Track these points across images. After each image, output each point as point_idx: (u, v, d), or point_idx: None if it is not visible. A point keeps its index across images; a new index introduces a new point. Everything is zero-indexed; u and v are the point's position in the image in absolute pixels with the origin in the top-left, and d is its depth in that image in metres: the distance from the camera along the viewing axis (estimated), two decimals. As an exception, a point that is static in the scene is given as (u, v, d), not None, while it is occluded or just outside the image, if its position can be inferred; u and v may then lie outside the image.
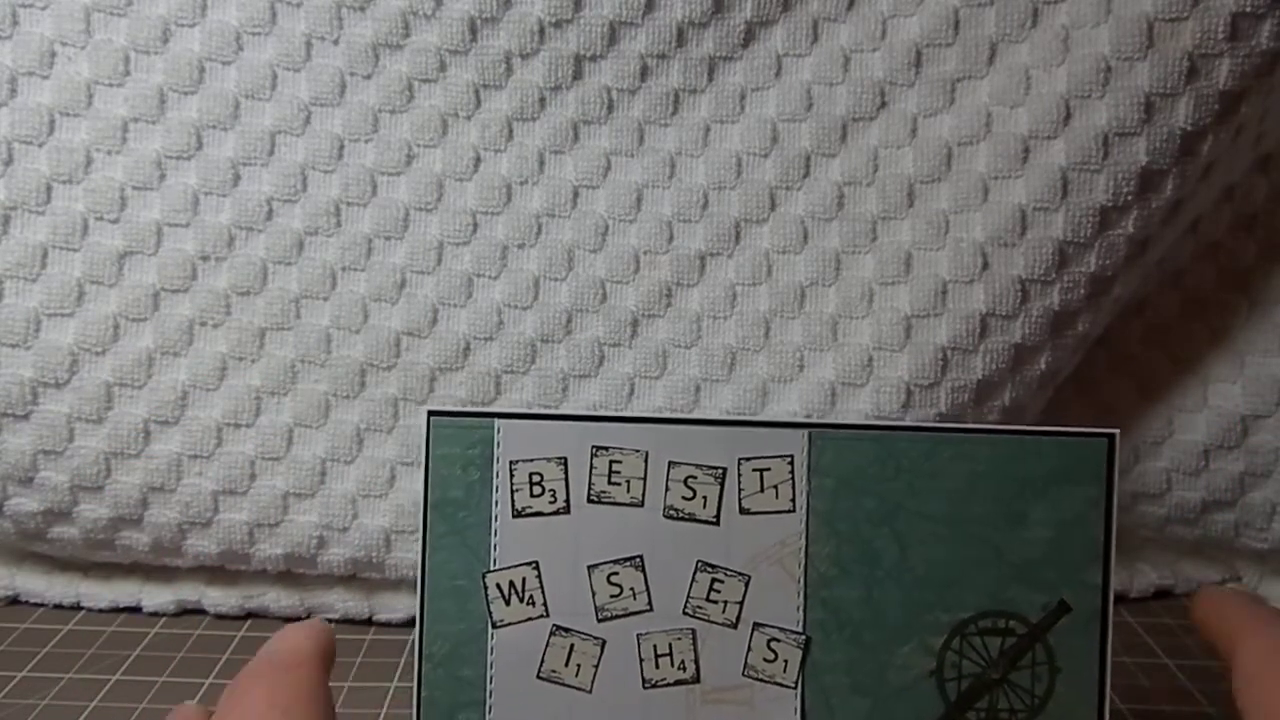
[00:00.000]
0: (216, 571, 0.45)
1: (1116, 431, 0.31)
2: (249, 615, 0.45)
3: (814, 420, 0.38)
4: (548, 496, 0.31)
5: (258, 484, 0.42)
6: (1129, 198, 0.40)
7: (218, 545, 0.43)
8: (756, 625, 0.31)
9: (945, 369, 0.41)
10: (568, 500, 0.31)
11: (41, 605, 0.45)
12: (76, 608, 0.45)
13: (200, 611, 0.45)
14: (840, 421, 0.32)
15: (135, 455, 0.42)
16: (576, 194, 0.43)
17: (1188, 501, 0.46)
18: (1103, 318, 0.43)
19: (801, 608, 0.31)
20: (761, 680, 0.31)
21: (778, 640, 0.31)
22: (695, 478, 0.31)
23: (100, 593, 0.45)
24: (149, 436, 0.42)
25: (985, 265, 0.41)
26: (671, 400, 0.42)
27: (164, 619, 0.45)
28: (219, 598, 0.45)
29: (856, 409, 0.41)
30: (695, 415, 0.42)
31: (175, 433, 0.42)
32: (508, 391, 0.42)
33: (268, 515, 0.42)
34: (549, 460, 0.31)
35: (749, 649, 0.31)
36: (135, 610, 0.45)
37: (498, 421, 0.31)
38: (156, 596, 0.45)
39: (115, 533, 0.43)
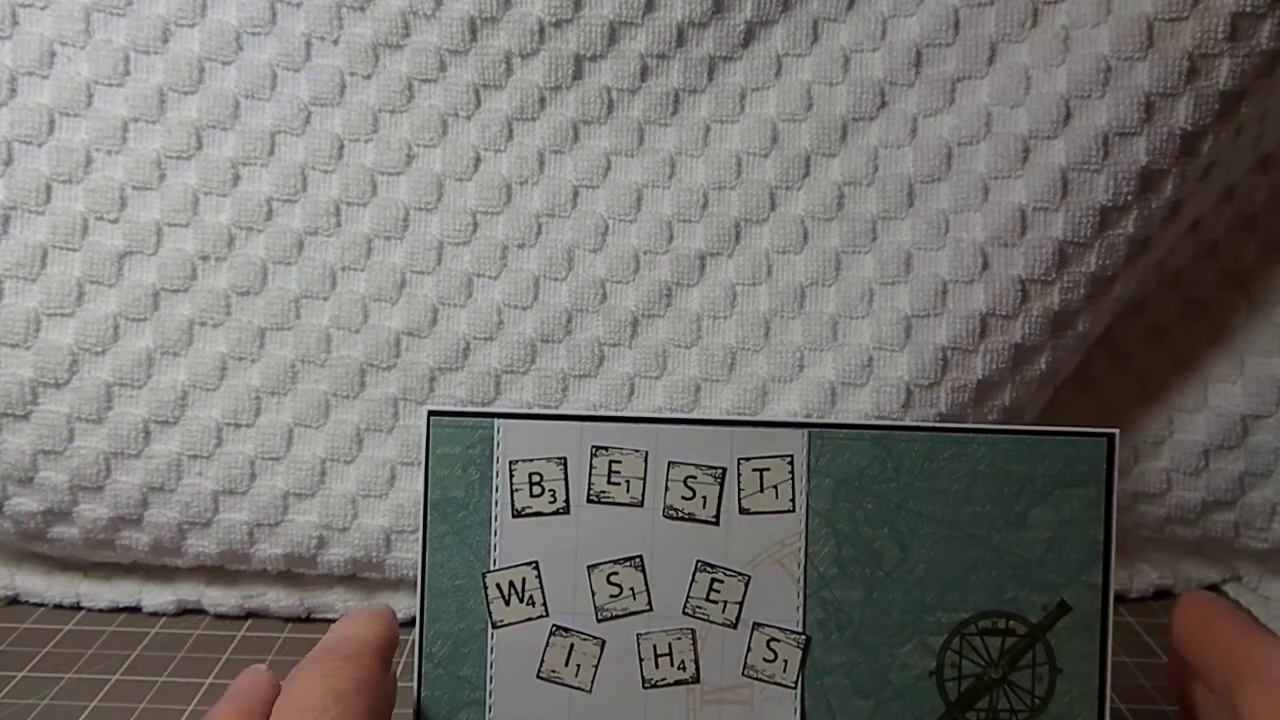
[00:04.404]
0: (216, 571, 0.45)
1: (1116, 431, 0.31)
2: (249, 615, 0.45)
3: (814, 420, 0.38)
4: (548, 496, 0.31)
5: (258, 484, 0.42)
6: (1129, 198, 0.40)
7: (218, 545, 0.43)
8: (756, 625, 0.31)
9: (945, 369, 0.41)
10: (568, 500, 0.31)
11: (41, 605, 0.45)
12: (76, 608, 0.45)
13: (200, 611, 0.45)
14: (840, 421, 0.32)
15: (135, 455, 0.42)
16: (576, 194, 0.43)
17: (1188, 501, 0.46)
18: (1103, 318, 0.43)
19: (801, 608, 0.31)
20: (761, 680, 0.31)
21: (777, 640, 0.31)
22: (695, 478, 0.31)
23: (100, 593, 0.45)
24: (149, 436, 0.42)
25: (985, 265, 0.40)
26: (671, 400, 0.42)
27: (164, 619, 0.45)
28: (219, 598, 0.45)
29: (856, 409, 0.41)
30: (695, 415, 0.42)
31: (175, 433, 0.42)
32: (508, 391, 0.42)
33: (268, 515, 0.42)
34: (549, 460, 0.31)
35: (749, 649, 0.31)
36: (135, 610, 0.45)
37: (498, 421, 0.31)
38: (156, 596, 0.45)
39: (115, 533, 0.43)
